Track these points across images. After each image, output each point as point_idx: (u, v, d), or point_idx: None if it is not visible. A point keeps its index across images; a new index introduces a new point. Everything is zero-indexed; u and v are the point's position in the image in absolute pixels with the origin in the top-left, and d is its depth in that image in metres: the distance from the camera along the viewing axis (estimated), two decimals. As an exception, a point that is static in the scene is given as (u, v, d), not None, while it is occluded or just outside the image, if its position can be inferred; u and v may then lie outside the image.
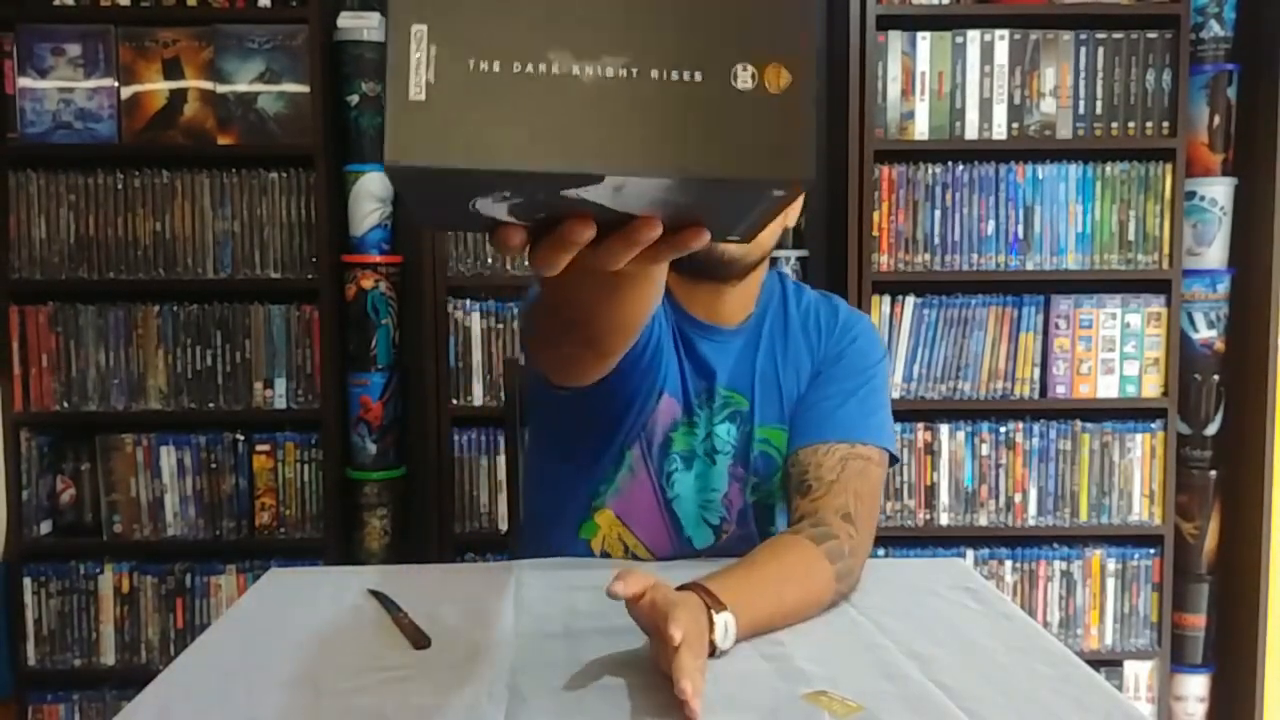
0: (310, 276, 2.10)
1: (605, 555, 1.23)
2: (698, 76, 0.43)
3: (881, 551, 2.12)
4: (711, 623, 0.87)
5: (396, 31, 0.40)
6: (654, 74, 0.42)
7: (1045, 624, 2.12)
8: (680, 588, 0.89)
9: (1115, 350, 2.11)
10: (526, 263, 0.54)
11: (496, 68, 0.41)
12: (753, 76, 0.43)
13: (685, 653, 0.76)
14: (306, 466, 2.13)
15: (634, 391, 1.13)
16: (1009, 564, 2.14)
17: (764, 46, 0.43)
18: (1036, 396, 2.12)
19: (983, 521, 2.13)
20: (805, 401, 1.18)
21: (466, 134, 0.41)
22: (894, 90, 2.08)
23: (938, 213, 2.09)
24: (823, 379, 1.18)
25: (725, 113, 0.43)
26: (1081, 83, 2.08)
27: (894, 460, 1.18)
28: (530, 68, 0.41)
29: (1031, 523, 2.13)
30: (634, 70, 0.42)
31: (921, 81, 2.08)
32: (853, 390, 1.16)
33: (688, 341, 1.19)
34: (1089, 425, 2.13)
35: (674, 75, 0.42)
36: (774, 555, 1.00)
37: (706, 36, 0.43)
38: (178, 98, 2.08)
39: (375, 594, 1.06)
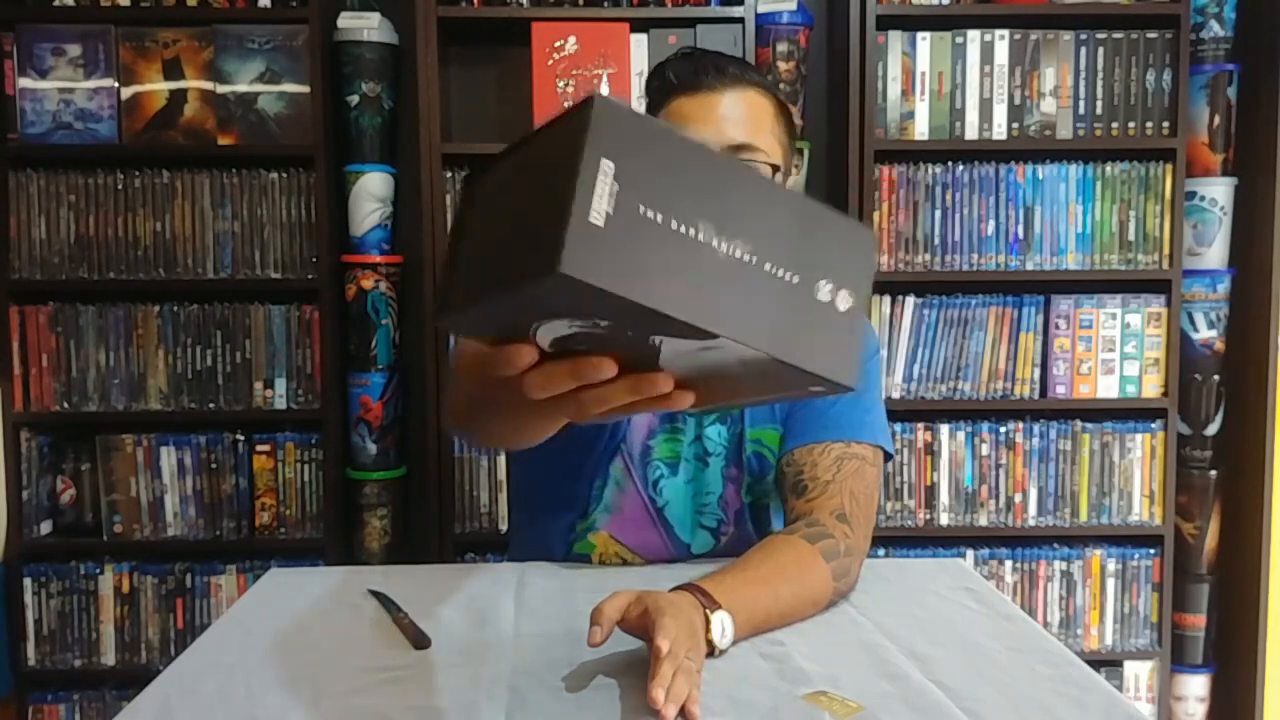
0: (310, 276, 2.10)
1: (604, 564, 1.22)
2: (795, 279, 0.50)
3: (881, 551, 2.12)
4: (708, 622, 0.86)
5: (586, 159, 0.43)
6: (767, 266, 0.49)
7: (1045, 624, 2.12)
8: (675, 589, 0.89)
9: (1115, 350, 2.11)
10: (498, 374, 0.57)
11: (659, 219, 0.46)
12: (830, 292, 0.51)
13: (666, 663, 0.76)
14: (306, 467, 2.13)
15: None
16: (1009, 564, 2.14)
17: (841, 273, 0.51)
18: (1036, 396, 2.12)
19: (983, 521, 2.13)
20: (797, 402, 1.17)
21: (629, 269, 0.45)
22: (894, 90, 2.08)
23: (938, 213, 2.09)
24: None
25: (807, 315, 0.51)
26: (1081, 83, 2.08)
27: (889, 457, 1.18)
28: (682, 228, 0.47)
29: (1031, 523, 2.13)
30: (754, 258, 0.49)
31: (921, 81, 2.08)
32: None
33: None
34: (1089, 425, 2.13)
35: (780, 272, 0.50)
36: (769, 555, 1.00)
37: (808, 250, 0.50)
38: (178, 98, 2.08)
39: (375, 594, 1.06)
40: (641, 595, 0.84)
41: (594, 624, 0.82)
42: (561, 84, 2.04)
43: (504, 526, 2.08)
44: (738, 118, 1.08)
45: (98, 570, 2.11)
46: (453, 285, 0.55)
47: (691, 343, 0.50)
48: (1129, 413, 2.13)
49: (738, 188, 0.49)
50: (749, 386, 0.59)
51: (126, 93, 2.07)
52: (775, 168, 1.12)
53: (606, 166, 0.45)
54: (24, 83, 2.05)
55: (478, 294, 0.51)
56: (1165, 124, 2.08)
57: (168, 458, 2.11)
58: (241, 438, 2.12)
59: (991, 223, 2.10)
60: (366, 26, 2.08)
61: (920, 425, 2.13)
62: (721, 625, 0.87)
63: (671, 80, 1.11)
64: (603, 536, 1.20)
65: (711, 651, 0.86)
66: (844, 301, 0.52)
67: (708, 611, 0.87)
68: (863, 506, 1.09)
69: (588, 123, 0.44)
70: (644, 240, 0.46)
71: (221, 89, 2.07)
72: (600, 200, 0.45)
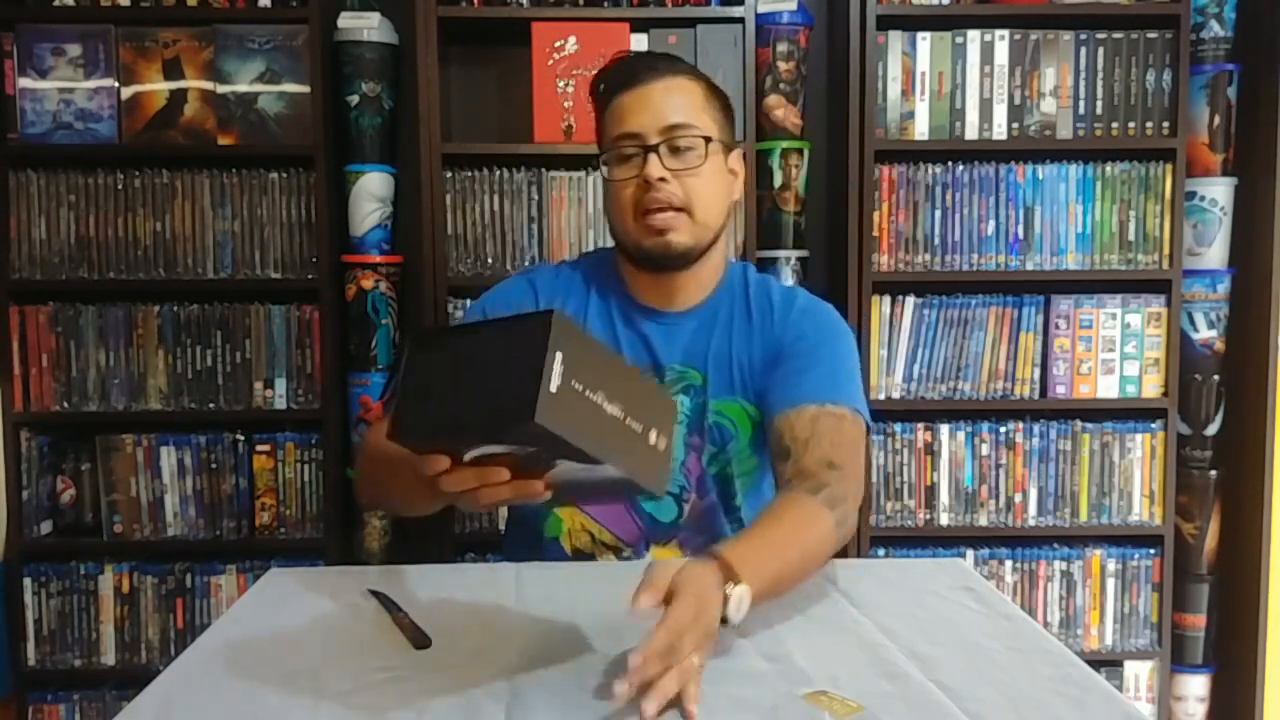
0: (310, 276, 2.09)
1: (579, 554, 1.25)
2: (639, 429, 0.77)
3: (881, 551, 2.12)
4: (726, 599, 0.87)
5: (550, 351, 0.69)
6: (627, 420, 0.76)
7: (1045, 624, 2.12)
8: (698, 557, 0.90)
9: (1115, 350, 2.11)
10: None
11: (579, 388, 0.72)
12: (654, 437, 0.79)
13: (654, 661, 0.77)
14: (307, 466, 2.13)
15: None
16: (1009, 564, 2.14)
17: (660, 424, 0.80)
18: (1036, 396, 2.12)
19: (983, 521, 2.13)
20: (773, 378, 1.22)
21: (568, 420, 0.70)
22: (894, 90, 2.08)
23: (938, 213, 2.09)
24: (785, 355, 1.23)
25: (644, 451, 0.78)
26: (1081, 83, 2.08)
27: (868, 429, 1.22)
28: (591, 395, 0.73)
29: (1031, 523, 2.13)
30: (624, 416, 0.76)
31: (921, 81, 2.08)
32: (817, 361, 1.21)
33: (633, 324, 1.28)
34: (1089, 425, 2.13)
35: (634, 425, 0.77)
36: (774, 517, 1.04)
37: (645, 410, 0.78)
38: (178, 98, 2.08)
39: (375, 594, 1.06)
40: (681, 578, 0.85)
41: (645, 589, 0.82)
42: (561, 84, 2.04)
43: (503, 526, 2.08)
44: (672, 103, 1.20)
45: (98, 570, 2.11)
46: (415, 418, 0.76)
47: (578, 464, 0.75)
48: (1129, 413, 2.13)
49: (618, 371, 0.78)
50: (590, 491, 0.91)
51: (126, 93, 2.07)
52: (707, 139, 1.21)
53: (558, 356, 0.70)
54: (24, 83, 2.05)
55: (451, 429, 0.75)
56: (1165, 124, 2.08)
57: (168, 458, 2.11)
58: (241, 438, 2.12)
59: (991, 223, 2.10)
60: (366, 26, 2.08)
61: (920, 425, 2.13)
62: (739, 601, 0.88)
63: (611, 83, 1.24)
64: (566, 509, 1.25)
65: (725, 623, 0.87)
66: (661, 442, 0.80)
67: (727, 589, 0.87)
68: (847, 455, 1.12)
69: (550, 329, 0.70)
70: (573, 402, 0.71)
71: (221, 89, 2.07)
72: (555, 377, 0.69)
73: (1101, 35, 2.07)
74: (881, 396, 2.10)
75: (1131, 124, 2.09)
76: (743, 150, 1.32)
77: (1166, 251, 2.09)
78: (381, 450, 1.03)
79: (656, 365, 1.27)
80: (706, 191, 1.21)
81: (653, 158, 1.18)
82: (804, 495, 1.05)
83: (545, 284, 1.31)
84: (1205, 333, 2.11)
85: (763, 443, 1.25)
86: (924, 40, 2.07)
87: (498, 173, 2.09)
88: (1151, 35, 2.06)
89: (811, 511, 1.04)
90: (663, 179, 1.18)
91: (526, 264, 2.10)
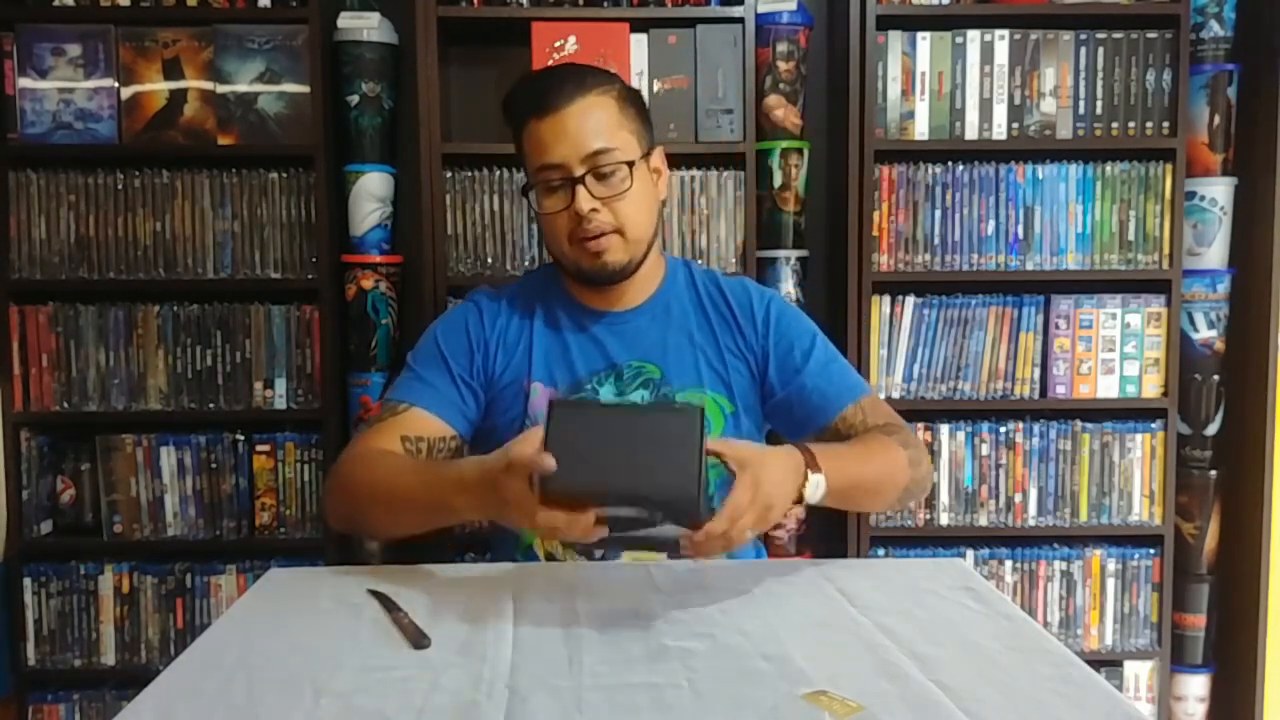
0: (310, 276, 2.09)
1: (551, 558, 1.26)
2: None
3: (881, 551, 2.12)
4: (805, 479, 1.04)
5: (702, 452, 0.93)
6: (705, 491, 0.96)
7: (1045, 624, 2.12)
8: (786, 445, 1.08)
9: (1115, 350, 2.11)
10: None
11: (704, 477, 0.94)
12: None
13: (713, 541, 0.96)
14: (307, 467, 2.13)
15: (494, 412, 1.32)
16: (1009, 564, 2.14)
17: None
18: (1036, 396, 2.12)
19: (983, 521, 2.13)
20: (795, 387, 1.31)
21: (704, 502, 0.95)
22: (894, 90, 2.08)
23: (938, 213, 2.09)
24: (790, 362, 1.32)
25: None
26: (1081, 83, 2.08)
27: None
28: (705, 474, 0.95)
29: (1031, 523, 2.13)
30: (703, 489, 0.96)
31: (921, 81, 2.08)
32: (822, 358, 1.33)
33: (583, 329, 1.32)
34: (1089, 425, 2.13)
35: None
36: (856, 442, 1.22)
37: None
38: (178, 98, 2.08)
39: (375, 594, 1.06)
40: (747, 457, 1.00)
41: (725, 448, 1.00)
42: (561, 84, 2.04)
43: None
44: (588, 128, 1.21)
45: (98, 570, 2.11)
46: (568, 474, 0.89)
47: (671, 531, 0.95)
48: (1129, 413, 2.13)
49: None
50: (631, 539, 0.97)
51: (126, 93, 2.07)
52: (630, 163, 1.23)
53: (703, 456, 0.92)
54: (24, 83, 2.05)
55: (603, 494, 0.91)
56: (1165, 124, 2.08)
57: (168, 458, 2.11)
58: (241, 438, 2.12)
59: (991, 223, 2.09)
60: (366, 26, 2.07)
61: (920, 425, 2.13)
62: (815, 487, 1.05)
63: (522, 108, 1.25)
64: None
65: (800, 500, 1.05)
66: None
67: (808, 471, 1.04)
68: (899, 419, 1.30)
69: (703, 422, 0.92)
70: (703, 482, 0.91)
71: (221, 89, 2.07)
72: (702, 473, 0.91)
73: (1101, 35, 2.07)
74: (881, 396, 2.09)
75: (1131, 124, 2.09)
76: (663, 148, 1.35)
77: (1166, 251, 2.09)
78: (397, 467, 1.19)
79: (613, 364, 1.30)
80: (636, 210, 1.25)
81: (581, 190, 1.21)
82: (880, 434, 1.22)
83: (488, 307, 1.35)
84: (1205, 333, 2.11)
85: (734, 436, 1.31)
86: (924, 40, 2.07)
87: (498, 173, 2.09)
88: (1151, 35, 2.06)
89: (888, 443, 1.20)
90: (594, 209, 1.21)
91: (527, 264, 2.10)
